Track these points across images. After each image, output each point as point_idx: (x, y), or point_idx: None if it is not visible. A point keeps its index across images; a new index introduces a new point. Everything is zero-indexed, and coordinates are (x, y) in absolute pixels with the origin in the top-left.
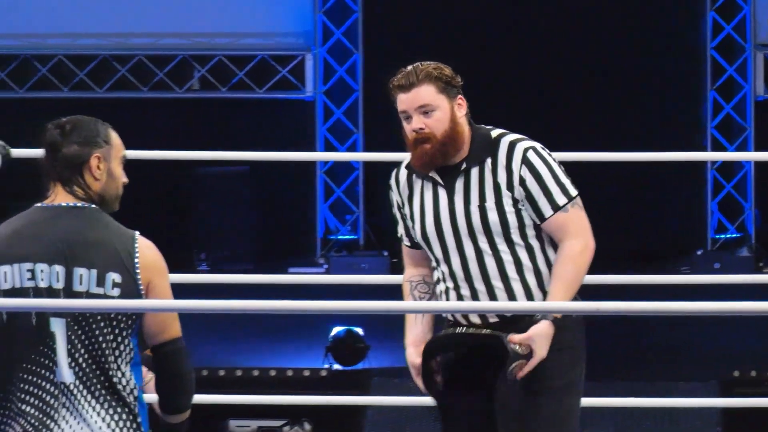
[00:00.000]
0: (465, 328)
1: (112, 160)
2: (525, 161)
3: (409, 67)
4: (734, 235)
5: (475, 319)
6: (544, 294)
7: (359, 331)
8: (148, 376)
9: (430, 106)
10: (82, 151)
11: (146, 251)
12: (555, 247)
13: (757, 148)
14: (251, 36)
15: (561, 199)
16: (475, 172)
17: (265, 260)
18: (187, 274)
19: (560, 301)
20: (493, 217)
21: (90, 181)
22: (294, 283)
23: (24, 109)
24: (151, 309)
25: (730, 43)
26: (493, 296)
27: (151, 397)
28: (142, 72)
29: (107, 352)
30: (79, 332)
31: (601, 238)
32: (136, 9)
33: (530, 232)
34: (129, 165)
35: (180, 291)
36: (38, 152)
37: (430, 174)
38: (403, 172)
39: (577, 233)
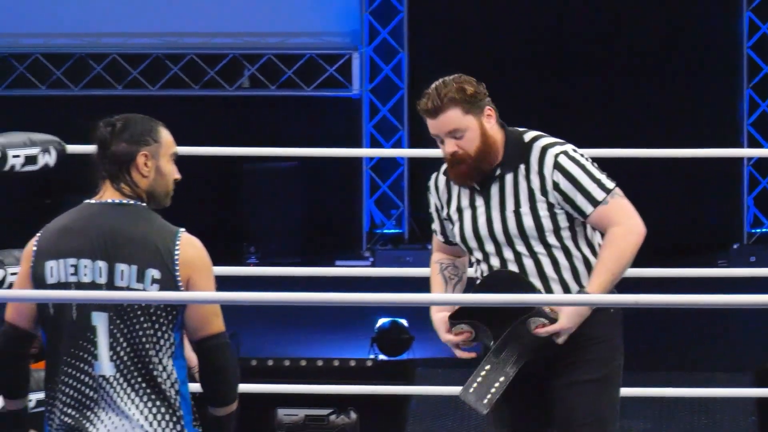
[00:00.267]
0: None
1: (161, 157)
2: (557, 166)
3: (432, 89)
4: None
5: None
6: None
7: (404, 322)
8: (194, 361)
9: (458, 130)
10: (129, 149)
11: (187, 248)
12: (592, 246)
13: None
14: (300, 35)
15: (599, 195)
16: (509, 178)
17: (312, 253)
18: (237, 267)
19: (600, 295)
20: (528, 221)
21: (137, 179)
22: (340, 275)
23: (79, 106)
24: (197, 301)
25: (767, 42)
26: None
27: (196, 386)
28: (194, 70)
29: (147, 346)
30: (121, 326)
31: None
32: (188, 9)
33: (565, 234)
34: (181, 161)
35: (229, 283)
36: (92, 148)
37: None
38: (442, 178)
39: (619, 220)
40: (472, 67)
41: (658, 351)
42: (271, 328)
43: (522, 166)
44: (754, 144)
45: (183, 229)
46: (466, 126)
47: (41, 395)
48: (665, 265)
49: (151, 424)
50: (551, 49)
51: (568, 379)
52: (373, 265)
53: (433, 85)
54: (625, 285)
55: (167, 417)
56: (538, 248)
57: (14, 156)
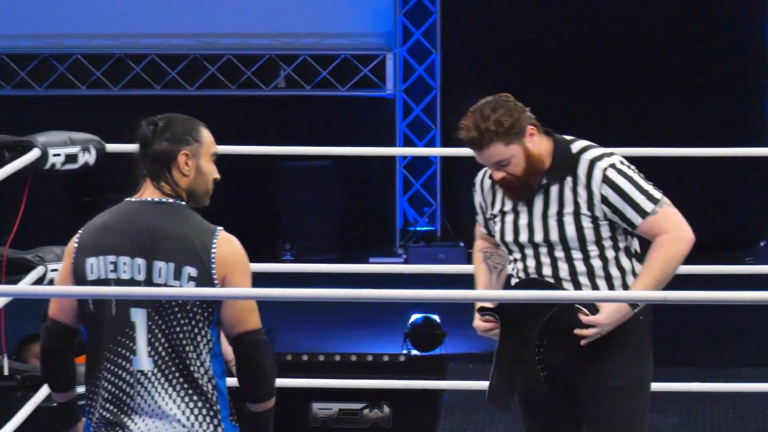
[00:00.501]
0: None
1: (202, 157)
2: (605, 180)
3: (471, 122)
4: None
5: None
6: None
7: (436, 318)
8: (231, 356)
9: (503, 161)
10: (170, 148)
11: (224, 246)
12: (632, 255)
13: None
14: (335, 36)
15: (648, 206)
16: (555, 188)
17: (346, 250)
18: (273, 263)
19: (630, 291)
20: (570, 231)
21: (178, 177)
22: (374, 272)
23: (118, 106)
24: (235, 297)
25: None
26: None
27: (233, 381)
28: (231, 71)
29: (185, 341)
30: (159, 322)
31: None
32: (225, 10)
33: (606, 244)
34: (218, 160)
35: (265, 280)
36: (132, 147)
37: None
38: (487, 181)
39: (667, 228)
40: (503, 67)
41: (686, 347)
42: (306, 323)
43: (569, 178)
44: None
45: (221, 228)
46: (510, 154)
47: (82, 389)
48: (693, 262)
49: (188, 419)
50: (581, 48)
51: (597, 385)
52: (406, 262)
53: (472, 116)
54: None
55: (204, 411)
56: (576, 255)
57: (55, 155)
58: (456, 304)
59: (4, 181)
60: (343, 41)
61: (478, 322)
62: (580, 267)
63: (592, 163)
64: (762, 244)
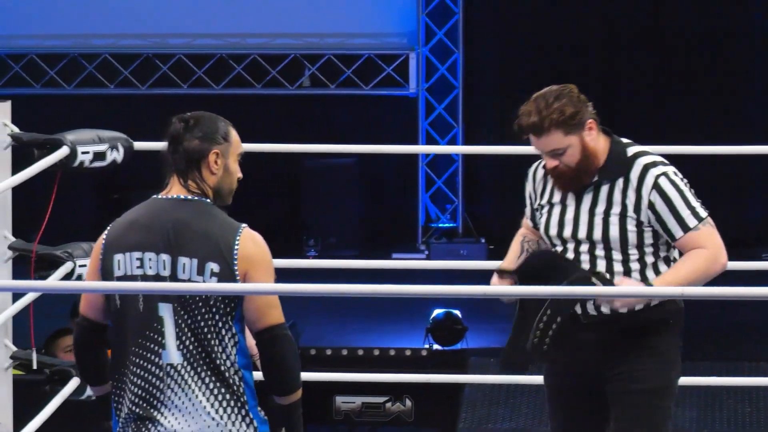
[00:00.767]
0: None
1: (230, 156)
2: (656, 186)
3: (534, 107)
4: None
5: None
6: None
7: (457, 313)
8: (255, 349)
9: (559, 150)
10: (201, 146)
11: (246, 243)
12: (671, 264)
13: None
14: (359, 36)
15: (691, 221)
16: (605, 188)
17: (369, 247)
18: (297, 259)
19: (649, 288)
20: (614, 232)
21: (206, 176)
22: (397, 268)
23: (146, 104)
24: (261, 292)
25: None
26: None
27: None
28: (256, 70)
29: (209, 336)
30: (185, 316)
31: None
32: (251, 11)
33: (648, 250)
34: (244, 158)
35: (290, 275)
36: (159, 145)
37: None
38: (541, 171)
39: (705, 246)
40: (524, 67)
41: (703, 341)
42: (330, 318)
43: (621, 180)
44: None
45: (245, 225)
46: (567, 144)
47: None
48: None
49: (216, 411)
50: (602, 47)
51: (623, 386)
52: (428, 257)
53: (535, 102)
54: None
55: (232, 403)
56: (616, 256)
57: (83, 152)
58: (478, 299)
59: (33, 178)
60: (366, 41)
61: (495, 279)
62: (618, 268)
63: (646, 168)
64: None
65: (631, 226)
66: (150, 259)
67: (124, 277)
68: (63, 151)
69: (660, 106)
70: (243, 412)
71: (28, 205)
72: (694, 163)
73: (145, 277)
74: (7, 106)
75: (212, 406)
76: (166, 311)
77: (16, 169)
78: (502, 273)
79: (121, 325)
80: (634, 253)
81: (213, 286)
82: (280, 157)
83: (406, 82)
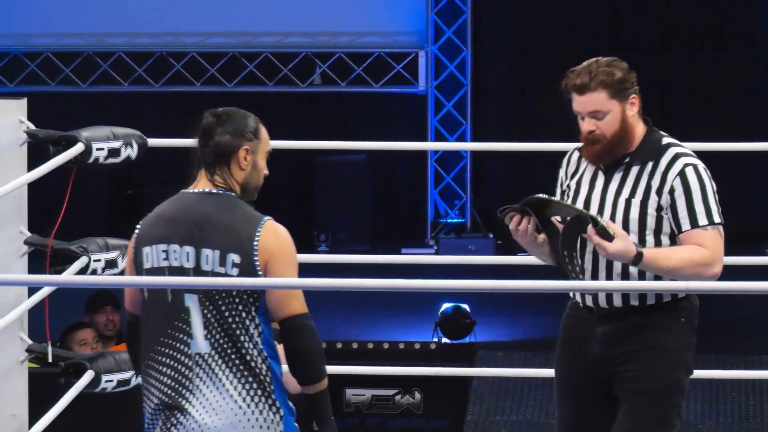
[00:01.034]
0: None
1: (259, 153)
2: (681, 174)
3: (584, 67)
4: None
5: (589, 302)
6: (659, 294)
7: (466, 307)
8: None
9: (601, 111)
10: (232, 142)
11: (267, 235)
12: None
13: None
14: (369, 35)
15: (702, 219)
16: (635, 170)
17: (379, 242)
18: (308, 254)
19: (652, 282)
20: (634, 213)
21: (235, 171)
22: (406, 263)
23: (159, 102)
24: (272, 286)
25: None
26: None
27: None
28: (268, 68)
29: (234, 326)
30: (210, 307)
31: None
32: (264, 9)
33: (665, 240)
34: None
35: (301, 270)
36: (172, 142)
37: None
38: (576, 154)
39: (707, 247)
40: (531, 65)
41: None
42: (340, 312)
43: (650, 164)
44: None
45: (269, 218)
46: (609, 109)
47: (123, 375)
48: None
49: (243, 399)
50: (609, 46)
51: (631, 386)
52: (437, 252)
53: (586, 63)
54: None
55: (259, 392)
56: (632, 239)
57: (98, 149)
58: (486, 294)
59: (49, 174)
60: (377, 39)
61: (513, 225)
62: None
63: (678, 156)
64: None
65: (651, 210)
66: (174, 251)
67: (152, 270)
68: (78, 148)
69: (667, 104)
70: (270, 400)
71: (43, 201)
72: (700, 160)
73: (170, 269)
74: (23, 103)
75: (239, 394)
76: (192, 302)
77: (31, 165)
78: (504, 211)
79: (149, 316)
80: (650, 240)
81: (218, 280)
82: (292, 153)
83: (415, 80)
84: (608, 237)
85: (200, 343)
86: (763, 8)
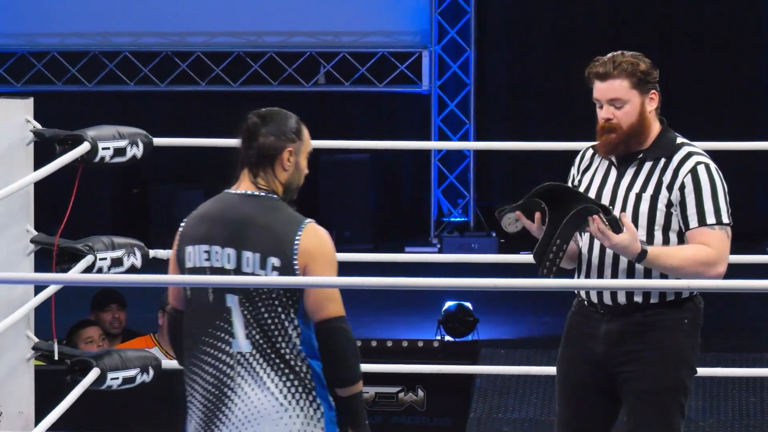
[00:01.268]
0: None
1: (301, 154)
2: (693, 171)
3: (608, 56)
4: None
5: (593, 299)
6: (662, 293)
7: (469, 305)
8: None
9: (621, 100)
10: (277, 143)
11: (307, 238)
12: None
13: None
14: (373, 35)
15: (710, 218)
16: (647, 165)
17: (383, 240)
18: None
19: (654, 281)
20: (644, 208)
21: (278, 172)
22: (410, 261)
23: (165, 101)
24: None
25: None
26: (615, 278)
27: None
28: (273, 68)
29: (273, 327)
30: (250, 308)
31: None
32: (269, 9)
33: (672, 237)
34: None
35: None
36: (178, 141)
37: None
38: (590, 150)
39: (713, 246)
40: (534, 65)
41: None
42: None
43: (663, 160)
44: None
45: (310, 220)
46: (629, 99)
47: (128, 373)
48: None
49: (285, 397)
50: (612, 45)
51: (634, 387)
52: (440, 251)
53: (611, 54)
54: None
55: (300, 389)
56: (641, 233)
57: (104, 148)
58: (488, 292)
59: (55, 173)
60: (380, 39)
61: (523, 220)
62: None
63: (690, 154)
64: None
65: (661, 205)
66: (216, 253)
67: (194, 269)
68: (84, 147)
69: (669, 104)
70: (310, 397)
71: (49, 200)
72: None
73: (212, 270)
74: (29, 102)
75: (280, 392)
76: (233, 302)
77: (38, 164)
78: (502, 212)
79: (192, 315)
80: (659, 235)
81: (242, 279)
82: None
83: (419, 80)
84: (618, 228)
85: (241, 342)
86: (764, 8)
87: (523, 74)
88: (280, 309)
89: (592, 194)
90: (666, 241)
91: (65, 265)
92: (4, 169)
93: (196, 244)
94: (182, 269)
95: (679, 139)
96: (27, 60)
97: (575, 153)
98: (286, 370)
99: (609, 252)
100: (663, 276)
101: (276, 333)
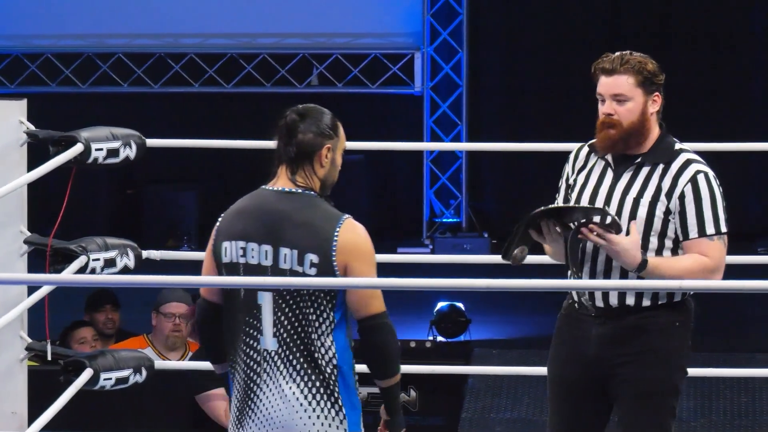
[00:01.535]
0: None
1: (338, 151)
2: (692, 180)
3: (617, 54)
4: None
5: (585, 301)
6: (655, 296)
7: (461, 306)
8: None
9: (624, 96)
10: (315, 140)
11: (346, 234)
12: None
13: None
14: (365, 36)
15: (710, 228)
16: (645, 170)
17: (375, 241)
18: None
19: (644, 281)
20: (641, 213)
21: (317, 168)
22: (402, 262)
23: (158, 103)
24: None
25: None
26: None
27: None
28: (266, 69)
29: (305, 323)
30: (283, 305)
31: None
32: (262, 11)
33: (668, 243)
34: (255, 154)
35: None
36: (171, 142)
37: (606, 156)
38: (585, 149)
39: (710, 257)
40: (526, 66)
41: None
42: None
43: (661, 166)
44: None
45: (348, 216)
46: (632, 96)
47: (121, 373)
48: None
49: (305, 397)
50: (605, 47)
51: (628, 388)
52: (432, 252)
53: (619, 51)
54: None
55: (321, 390)
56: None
57: (97, 149)
58: (480, 292)
59: (49, 174)
60: (373, 41)
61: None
62: None
63: (689, 161)
64: None
65: (659, 212)
66: (252, 249)
67: (230, 264)
68: (77, 148)
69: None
70: (332, 399)
71: (43, 201)
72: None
73: (246, 266)
74: (23, 104)
75: (302, 392)
76: (265, 299)
77: (32, 165)
78: (507, 255)
79: (229, 310)
80: (654, 241)
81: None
82: None
83: (411, 81)
84: (618, 228)
85: (269, 339)
86: (758, 8)
87: (515, 76)
88: (316, 305)
89: (587, 195)
90: (661, 247)
91: (59, 265)
92: None
93: (233, 239)
94: (218, 264)
95: (678, 145)
96: (21, 61)
97: (568, 154)
98: (309, 371)
99: (601, 259)
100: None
101: (308, 329)
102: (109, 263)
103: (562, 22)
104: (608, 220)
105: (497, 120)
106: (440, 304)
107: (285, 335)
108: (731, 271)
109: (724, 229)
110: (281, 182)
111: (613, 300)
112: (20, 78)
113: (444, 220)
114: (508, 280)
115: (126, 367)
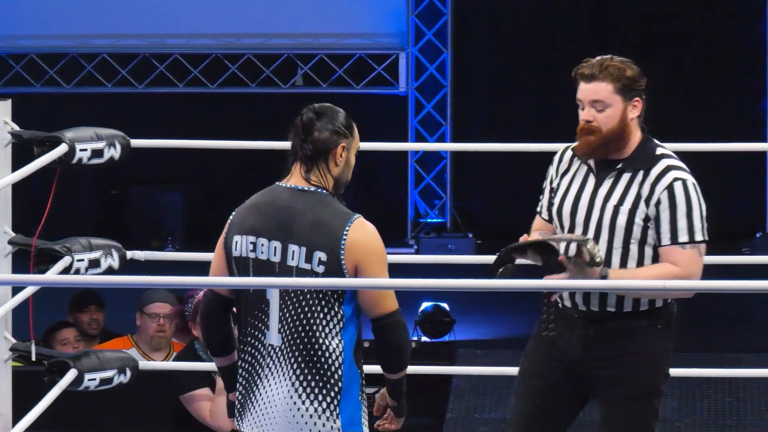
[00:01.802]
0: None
1: (352, 150)
2: (669, 188)
3: (597, 59)
4: None
5: (567, 303)
6: (636, 302)
7: (446, 306)
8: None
9: (603, 103)
10: (331, 138)
11: (355, 234)
12: None
13: None
14: (350, 36)
15: (683, 236)
16: (626, 177)
17: None
18: None
19: (627, 281)
20: (621, 221)
21: (331, 166)
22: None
23: (143, 103)
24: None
25: None
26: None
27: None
28: (251, 69)
29: (312, 320)
30: (289, 302)
31: None
32: (246, 12)
33: (648, 251)
34: (240, 154)
35: None
36: (155, 142)
37: (589, 161)
38: (569, 152)
39: (681, 267)
40: (511, 67)
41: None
42: None
43: (641, 173)
44: None
45: (358, 215)
46: (611, 103)
47: (106, 374)
48: None
49: (300, 396)
50: (589, 48)
51: (609, 394)
52: (417, 252)
53: (599, 57)
54: None
55: (321, 388)
56: (617, 248)
57: (82, 150)
58: (465, 293)
59: (33, 175)
60: (358, 41)
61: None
62: (615, 259)
63: (668, 168)
64: (758, 235)
65: (638, 219)
66: (262, 245)
67: (240, 258)
68: (62, 149)
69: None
70: (328, 399)
71: (27, 201)
72: (680, 159)
73: (256, 261)
74: (7, 104)
75: (296, 391)
76: (273, 295)
77: (16, 166)
78: (494, 273)
79: (240, 303)
80: (634, 249)
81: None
82: (275, 153)
83: (396, 81)
84: (593, 262)
85: (273, 335)
86: (744, 10)
87: (500, 76)
88: (324, 301)
89: (568, 203)
90: (642, 255)
91: (43, 266)
92: None
93: (244, 234)
94: (228, 257)
95: (659, 150)
96: (5, 62)
97: (552, 154)
98: (313, 369)
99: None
100: None
101: (314, 326)
102: (94, 264)
103: (547, 22)
104: (584, 252)
105: (482, 120)
106: (425, 305)
107: (288, 332)
108: (716, 272)
109: (699, 237)
110: (294, 179)
111: (594, 305)
112: (5, 78)
113: (429, 220)
114: (492, 280)
115: (110, 367)
